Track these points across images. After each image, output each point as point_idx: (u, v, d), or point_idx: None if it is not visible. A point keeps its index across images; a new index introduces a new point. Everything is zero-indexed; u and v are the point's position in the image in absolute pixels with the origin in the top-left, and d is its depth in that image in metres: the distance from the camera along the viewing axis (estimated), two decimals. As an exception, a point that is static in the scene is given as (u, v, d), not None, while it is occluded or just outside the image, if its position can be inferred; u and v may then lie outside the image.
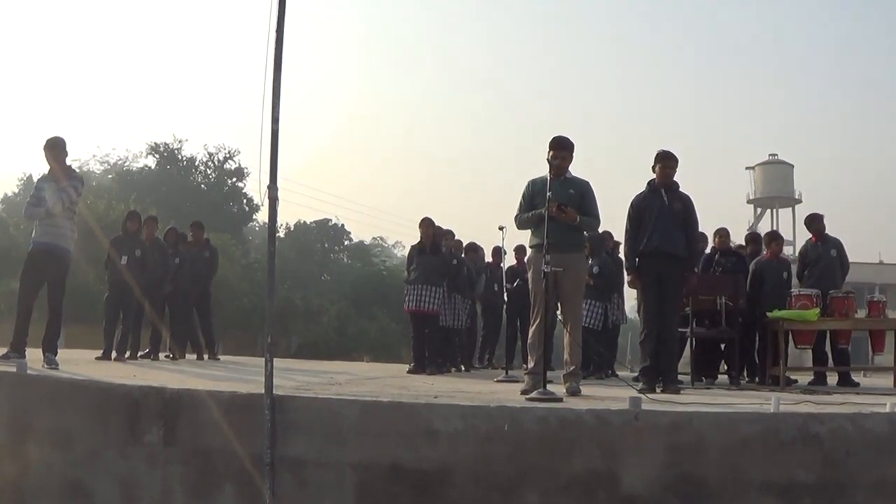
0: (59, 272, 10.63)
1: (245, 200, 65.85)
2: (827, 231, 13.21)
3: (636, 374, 12.24)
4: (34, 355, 10.07)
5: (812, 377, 12.93)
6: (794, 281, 13.16)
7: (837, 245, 13.12)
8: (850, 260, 13.32)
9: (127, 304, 13.63)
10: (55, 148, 10.71)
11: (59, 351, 10.71)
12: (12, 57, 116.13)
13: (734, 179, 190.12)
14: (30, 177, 64.72)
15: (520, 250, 15.87)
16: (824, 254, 12.94)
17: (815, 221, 13.15)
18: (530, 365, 9.02)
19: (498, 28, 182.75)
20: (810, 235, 13.26)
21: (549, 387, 7.86)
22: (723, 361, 13.33)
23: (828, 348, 12.71)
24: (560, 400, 7.40)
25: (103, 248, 14.54)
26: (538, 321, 8.88)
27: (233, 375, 10.68)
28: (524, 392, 8.26)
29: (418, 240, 13.96)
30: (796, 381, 12.46)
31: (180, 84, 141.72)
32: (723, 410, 6.69)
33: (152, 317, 14.48)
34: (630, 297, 14.70)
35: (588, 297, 13.84)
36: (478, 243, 16.88)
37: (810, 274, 12.92)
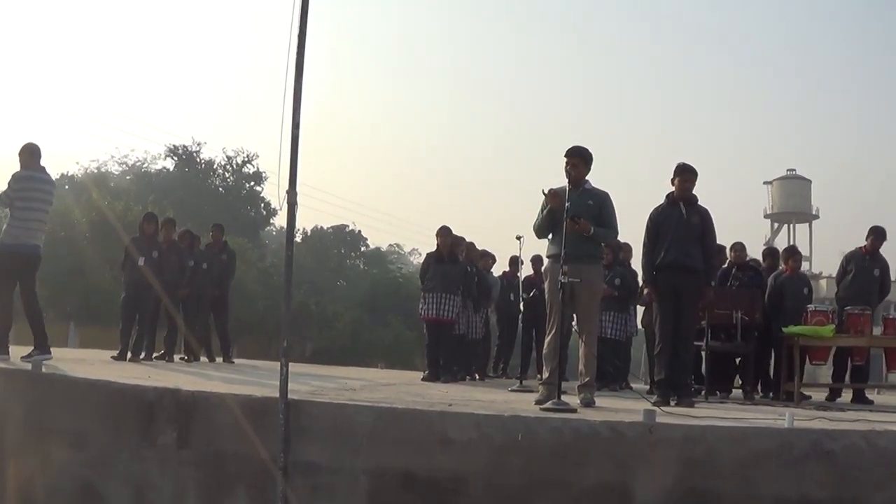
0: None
1: (263, 204, 66.01)
2: (881, 251, 12.94)
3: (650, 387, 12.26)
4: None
5: (827, 393, 12.87)
6: (822, 294, 13.08)
7: (884, 265, 12.92)
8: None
9: (143, 305, 13.68)
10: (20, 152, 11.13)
11: (73, 350, 10.81)
12: (31, 56, 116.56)
13: (751, 194, 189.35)
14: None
15: (536, 261, 15.87)
16: (868, 269, 12.74)
17: (874, 234, 12.89)
18: (545, 375, 9.00)
19: (524, 40, 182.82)
20: (863, 244, 13.01)
21: (563, 398, 7.86)
22: (737, 376, 13.30)
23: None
24: (574, 411, 7.40)
25: (122, 248, 14.56)
26: (554, 331, 8.88)
27: (247, 379, 10.70)
28: (538, 402, 8.25)
29: (435, 248, 13.96)
30: (810, 396, 12.43)
31: (200, 86, 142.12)
32: (737, 425, 6.68)
33: (170, 318, 14.56)
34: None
35: (612, 308, 13.93)
36: (489, 251, 16.82)
37: (849, 285, 12.76)
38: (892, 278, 13.39)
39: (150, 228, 14.06)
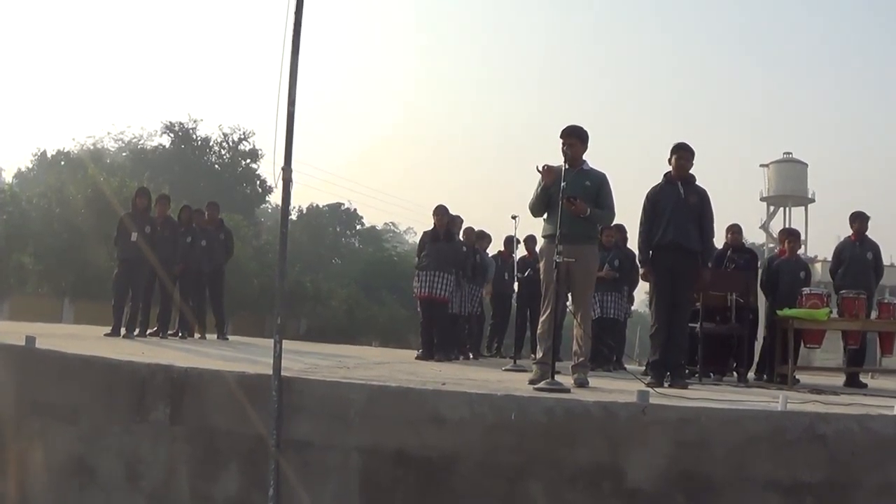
0: None
1: (258, 182, 66.07)
2: (867, 233, 12.91)
3: (644, 368, 12.25)
4: (42, 330, 10.11)
5: (821, 377, 12.81)
6: (817, 278, 13.03)
7: (875, 249, 12.90)
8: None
9: (136, 280, 13.65)
10: None
11: (67, 326, 10.85)
12: (30, 33, 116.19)
13: (748, 176, 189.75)
14: (44, 152, 65.02)
15: (530, 240, 15.88)
16: (861, 255, 12.71)
17: (857, 219, 12.89)
18: (539, 355, 8.99)
19: (513, 18, 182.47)
20: (850, 233, 12.99)
21: (556, 377, 7.85)
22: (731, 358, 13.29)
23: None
24: (568, 391, 7.39)
25: (117, 225, 14.51)
26: (549, 311, 8.86)
27: (241, 356, 10.69)
28: (532, 382, 8.24)
29: (431, 226, 13.93)
30: (798, 380, 12.38)
31: (197, 63, 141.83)
32: (730, 407, 6.67)
33: (164, 295, 14.55)
34: (640, 289, 14.72)
35: (612, 289, 13.97)
36: (485, 231, 16.79)
37: (844, 273, 12.69)
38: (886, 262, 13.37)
39: (142, 203, 14.04)
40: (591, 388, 8.39)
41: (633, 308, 16.49)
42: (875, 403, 7.74)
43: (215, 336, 15.79)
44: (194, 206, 16.61)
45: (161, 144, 67.16)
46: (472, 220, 15.65)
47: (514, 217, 12.97)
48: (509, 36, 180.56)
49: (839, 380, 12.96)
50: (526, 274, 15.66)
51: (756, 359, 13.17)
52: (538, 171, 8.97)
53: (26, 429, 7.98)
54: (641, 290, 14.27)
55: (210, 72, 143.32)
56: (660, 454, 6.20)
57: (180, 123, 66.26)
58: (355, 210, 79.04)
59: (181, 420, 7.25)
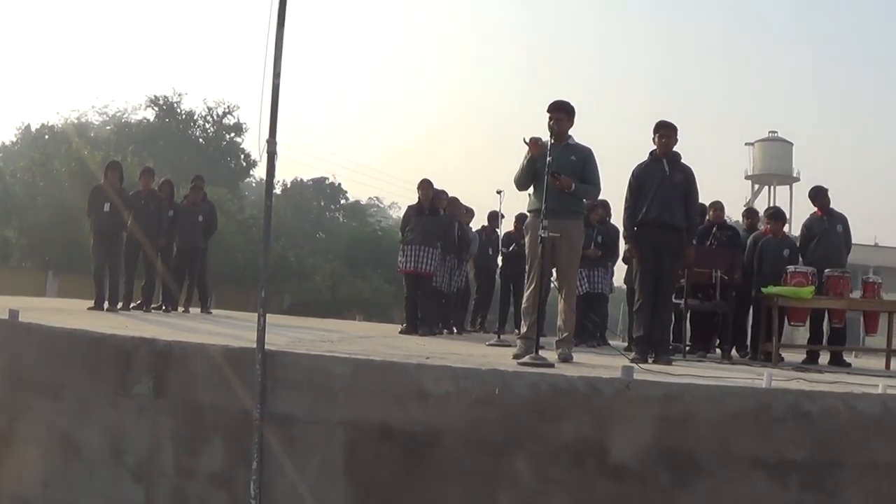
0: None
1: (243, 156, 65.83)
2: (832, 206, 12.81)
3: (627, 343, 12.26)
4: (26, 303, 10.05)
5: (804, 355, 12.85)
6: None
7: (843, 221, 12.78)
8: (846, 242, 13.08)
9: (112, 251, 13.64)
10: None
11: (51, 300, 10.76)
12: (11, 6, 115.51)
13: (733, 155, 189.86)
14: (27, 126, 64.72)
15: (520, 218, 15.87)
16: (830, 229, 12.58)
17: (819, 195, 12.79)
18: (523, 330, 9.00)
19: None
20: (815, 209, 12.91)
21: (541, 352, 7.84)
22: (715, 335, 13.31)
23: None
24: (552, 366, 7.38)
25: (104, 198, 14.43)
26: (533, 286, 8.87)
27: (225, 330, 10.67)
28: (516, 357, 8.23)
29: (416, 200, 13.90)
30: (783, 358, 12.38)
31: (182, 36, 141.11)
32: (715, 384, 6.67)
33: (149, 267, 14.56)
34: (619, 265, 14.75)
35: (599, 264, 14.02)
36: (463, 204, 16.70)
37: (815, 248, 12.56)
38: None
39: (113, 177, 13.97)
40: (575, 364, 8.42)
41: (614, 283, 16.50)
42: (859, 382, 7.76)
43: (199, 310, 15.77)
44: (179, 179, 16.57)
45: (145, 118, 66.83)
46: (457, 195, 15.58)
47: (499, 192, 12.96)
48: (499, 13, 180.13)
49: (823, 358, 12.96)
50: (510, 249, 15.65)
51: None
52: (525, 142, 8.96)
53: (11, 404, 7.94)
54: (621, 266, 14.28)
55: (195, 45, 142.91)
56: (644, 430, 6.19)
57: (165, 97, 65.96)
58: (339, 185, 78.94)
59: (165, 394, 7.22)
